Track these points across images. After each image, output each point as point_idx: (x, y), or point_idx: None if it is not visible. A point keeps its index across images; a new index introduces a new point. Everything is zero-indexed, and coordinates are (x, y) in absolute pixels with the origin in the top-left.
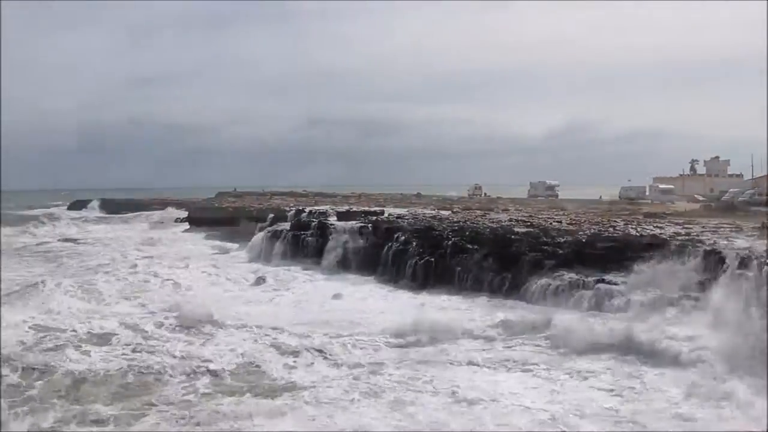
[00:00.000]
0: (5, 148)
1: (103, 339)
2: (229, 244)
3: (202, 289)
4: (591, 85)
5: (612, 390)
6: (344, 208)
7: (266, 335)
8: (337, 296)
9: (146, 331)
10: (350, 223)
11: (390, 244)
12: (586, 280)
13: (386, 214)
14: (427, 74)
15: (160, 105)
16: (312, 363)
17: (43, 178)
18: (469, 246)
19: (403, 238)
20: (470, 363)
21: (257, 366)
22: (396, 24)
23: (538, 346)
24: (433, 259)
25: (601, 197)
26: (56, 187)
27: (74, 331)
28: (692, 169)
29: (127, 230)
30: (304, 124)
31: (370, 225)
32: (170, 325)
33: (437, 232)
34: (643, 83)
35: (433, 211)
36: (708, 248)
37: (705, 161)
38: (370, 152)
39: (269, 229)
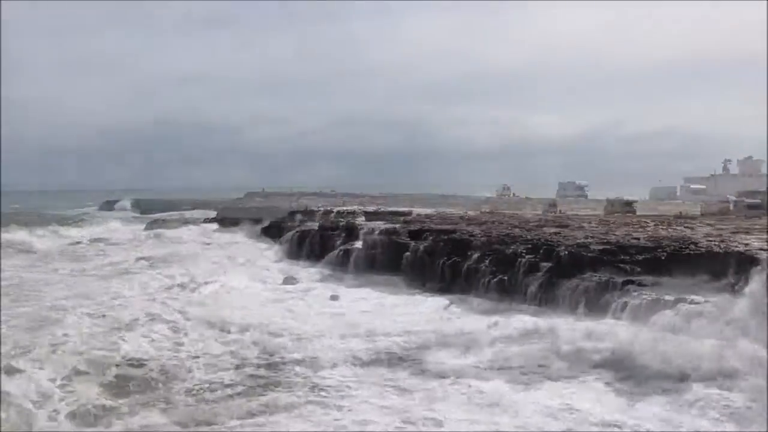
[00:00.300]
0: (9, 149)
1: (130, 329)
2: (258, 244)
3: (230, 287)
4: (615, 86)
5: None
6: (372, 208)
7: (290, 334)
8: (334, 297)
9: (171, 322)
10: (377, 223)
11: (417, 244)
12: (614, 281)
13: (414, 215)
14: (436, 77)
15: (162, 107)
16: (335, 364)
17: (52, 179)
18: (497, 247)
19: (430, 239)
20: (489, 368)
21: (282, 363)
22: (411, 25)
23: (555, 353)
24: (459, 260)
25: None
26: (61, 188)
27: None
28: (725, 168)
29: (157, 229)
30: (329, 124)
31: (397, 225)
32: (195, 320)
33: (465, 233)
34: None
35: (460, 212)
36: (739, 251)
37: (738, 161)
38: (386, 154)
39: (298, 228)
